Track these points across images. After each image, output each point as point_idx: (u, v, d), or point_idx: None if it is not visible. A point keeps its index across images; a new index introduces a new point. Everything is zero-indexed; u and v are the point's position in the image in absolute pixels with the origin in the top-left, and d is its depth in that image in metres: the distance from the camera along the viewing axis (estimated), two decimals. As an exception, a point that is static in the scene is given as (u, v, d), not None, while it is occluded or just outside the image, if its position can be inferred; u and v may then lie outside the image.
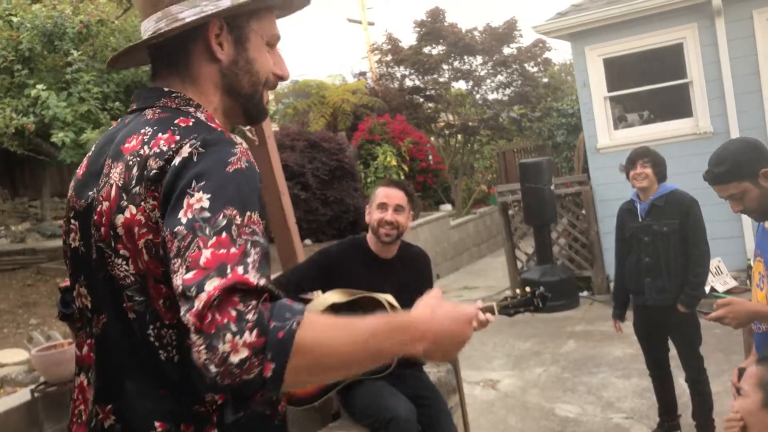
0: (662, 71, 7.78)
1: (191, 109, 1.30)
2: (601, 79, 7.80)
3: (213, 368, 0.99)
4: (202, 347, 0.99)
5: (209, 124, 1.26)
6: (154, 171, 1.18)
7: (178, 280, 1.07)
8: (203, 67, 1.33)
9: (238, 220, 1.11)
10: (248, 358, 0.98)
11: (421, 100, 15.02)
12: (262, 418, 1.31)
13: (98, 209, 1.26)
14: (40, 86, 6.68)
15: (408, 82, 15.01)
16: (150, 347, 1.22)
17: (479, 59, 14.14)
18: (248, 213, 1.13)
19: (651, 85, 7.85)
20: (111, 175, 1.26)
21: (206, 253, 1.06)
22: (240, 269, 1.06)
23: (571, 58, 10.75)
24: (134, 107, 1.36)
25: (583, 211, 8.18)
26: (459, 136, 14.72)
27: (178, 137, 1.20)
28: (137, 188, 1.20)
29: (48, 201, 10.42)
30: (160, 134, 1.23)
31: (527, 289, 2.84)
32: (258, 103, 1.41)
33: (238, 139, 1.25)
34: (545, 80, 15.28)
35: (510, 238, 8.86)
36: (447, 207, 13.13)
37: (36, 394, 3.44)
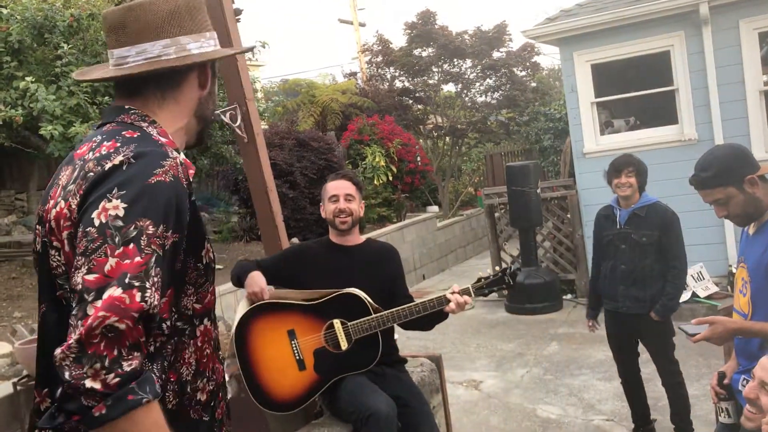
0: (649, 78, 7.86)
1: (144, 125, 1.42)
2: (589, 85, 7.87)
3: (67, 375, 1.11)
4: (72, 355, 1.11)
5: (155, 138, 1.39)
6: (90, 173, 1.29)
7: (78, 278, 1.17)
8: (190, 93, 1.50)
9: (150, 230, 1.22)
10: (95, 391, 1.11)
11: (411, 101, 15.07)
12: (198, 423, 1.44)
13: (47, 207, 1.39)
14: (29, 79, 6.65)
15: (398, 84, 15.06)
16: None
17: (469, 62, 14.21)
18: (162, 226, 1.24)
19: (638, 91, 7.93)
20: (60, 177, 1.40)
21: (111, 261, 1.17)
22: (135, 291, 1.16)
23: (559, 63, 10.85)
24: (99, 123, 1.49)
25: (569, 215, 8.25)
26: (447, 139, 14.78)
27: (119, 144, 1.33)
28: (72, 186, 1.32)
29: (35, 194, 10.36)
30: (105, 142, 1.35)
31: (497, 268, 2.98)
32: (209, 127, 1.62)
33: (175, 154, 1.36)
34: (533, 84, 15.38)
35: (495, 240, 8.92)
36: (434, 208, 13.18)
37: (19, 387, 3.43)
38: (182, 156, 1.39)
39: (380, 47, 14.83)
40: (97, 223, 1.20)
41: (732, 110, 7.12)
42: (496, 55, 14.21)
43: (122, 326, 1.13)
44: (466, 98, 14.91)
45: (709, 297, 6.66)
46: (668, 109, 7.70)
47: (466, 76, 14.41)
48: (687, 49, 7.34)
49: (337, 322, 2.94)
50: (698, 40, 7.24)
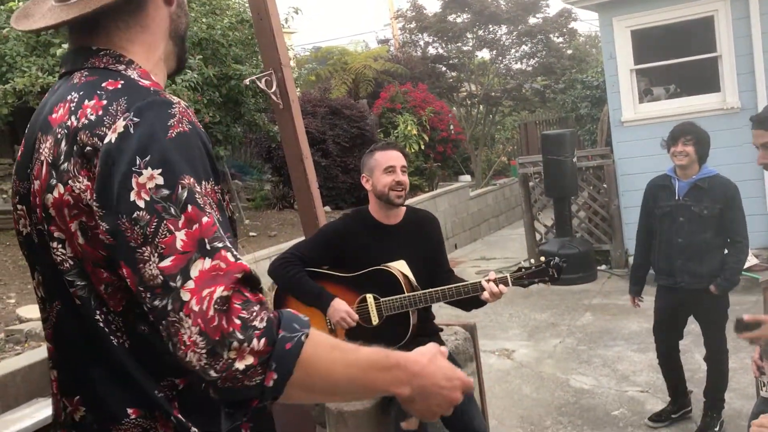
0: (691, 44, 7.63)
1: (121, 67, 1.18)
2: (628, 51, 7.67)
3: (213, 373, 0.96)
4: (204, 351, 0.96)
5: (141, 83, 1.16)
6: (88, 148, 1.08)
7: (152, 270, 1.00)
8: (158, 11, 1.25)
9: (198, 188, 1.06)
10: (253, 366, 0.97)
11: (444, 69, 14.89)
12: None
13: (32, 189, 1.17)
14: (65, 45, 6.70)
15: (431, 50, 14.88)
16: (102, 333, 1.13)
17: (504, 28, 13.97)
18: (203, 182, 1.08)
19: (679, 58, 7.71)
20: (41, 150, 1.17)
21: (180, 236, 1.01)
22: (223, 251, 1.01)
23: (597, 30, 10.61)
24: (62, 71, 1.25)
25: (605, 185, 8.12)
26: (481, 107, 14.60)
27: (104, 102, 1.10)
28: (65, 164, 1.11)
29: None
30: (86, 101, 1.12)
31: (542, 259, 2.85)
32: (185, 46, 1.36)
33: (175, 99, 1.15)
34: (570, 51, 15.08)
35: (530, 209, 8.84)
36: (466, 178, 13.09)
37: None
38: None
39: (414, 13, 14.63)
40: (141, 204, 1.02)
41: (777, 77, 6.90)
42: (532, 21, 13.95)
43: (230, 293, 0.98)
44: (501, 65, 14.68)
45: (749, 269, 6.53)
46: (710, 77, 7.49)
47: (501, 43, 14.18)
48: (732, 14, 7.09)
49: (370, 297, 2.93)
50: (744, 4, 6.99)
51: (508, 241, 10.83)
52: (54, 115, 1.16)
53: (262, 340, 0.97)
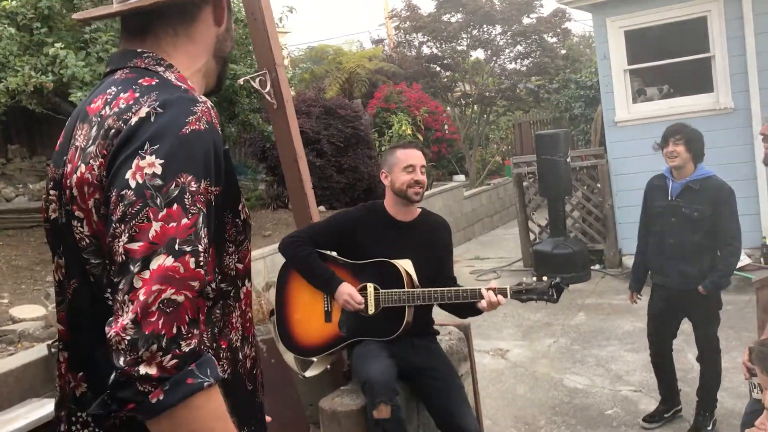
0: (684, 45, 7.66)
1: (160, 69, 1.26)
2: (622, 52, 7.70)
3: (121, 361, 1.00)
4: (128, 337, 0.99)
5: (175, 83, 1.23)
6: (113, 130, 1.15)
7: (118, 247, 1.05)
8: (206, 29, 1.34)
9: (193, 187, 1.09)
10: (150, 377, 0.99)
11: (438, 68, 14.89)
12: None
13: (65, 172, 1.24)
14: (58, 45, 6.67)
15: (425, 50, 14.87)
16: (109, 312, 1.14)
17: (498, 28, 13.97)
18: (204, 181, 1.11)
19: (672, 58, 7.74)
20: (76, 136, 1.24)
21: (155, 226, 1.04)
22: (188, 256, 1.04)
23: (590, 30, 10.62)
24: (108, 70, 1.33)
25: (598, 185, 8.15)
26: (475, 107, 14.61)
27: (137, 95, 1.17)
28: (92, 147, 1.17)
29: (65, 160, 10.47)
30: (122, 94, 1.19)
31: (545, 278, 2.85)
32: (227, 68, 1.46)
33: (203, 98, 1.21)
34: (564, 51, 15.10)
35: (524, 209, 8.85)
36: (461, 177, 13.10)
37: (53, 350, 3.50)
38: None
39: (408, 13, 14.63)
40: (133, 184, 1.06)
41: (770, 78, 6.92)
42: (526, 21, 13.96)
43: (181, 298, 1.02)
44: (495, 65, 14.69)
45: (741, 269, 6.55)
46: (703, 77, 7.52)
47: (496, 43, 14.19)
48: (725, 15, 7.13)
49: (370, 286, 2.97)
50: (737, 5, 7.03)
51: (502, 241, 10.84)
52: (92, 105, 1.24)
53: (174, 361, 1.01)
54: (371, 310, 2.96)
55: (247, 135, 10.32)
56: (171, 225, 1.05)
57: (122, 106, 1.17)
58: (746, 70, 7.05)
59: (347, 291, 2.93)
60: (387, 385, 2.79)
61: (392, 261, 2.97)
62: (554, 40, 14.68)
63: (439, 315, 3.25)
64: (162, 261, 1.03)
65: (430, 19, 14.04)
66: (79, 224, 1.20)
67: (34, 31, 7.17)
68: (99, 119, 1.19)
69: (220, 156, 1.18)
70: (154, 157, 1.08)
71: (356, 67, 13.34)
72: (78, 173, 1.18)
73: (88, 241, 1.19)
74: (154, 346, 0.99)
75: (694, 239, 3.83)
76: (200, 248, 1.07)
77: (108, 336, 1.01)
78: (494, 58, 14.53)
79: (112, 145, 1.14)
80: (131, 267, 1.03)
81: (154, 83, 1.20)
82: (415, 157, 3.05)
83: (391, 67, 13.50)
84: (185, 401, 1.02)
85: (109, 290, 1.16)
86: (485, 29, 13.96)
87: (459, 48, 14.29)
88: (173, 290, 1.02)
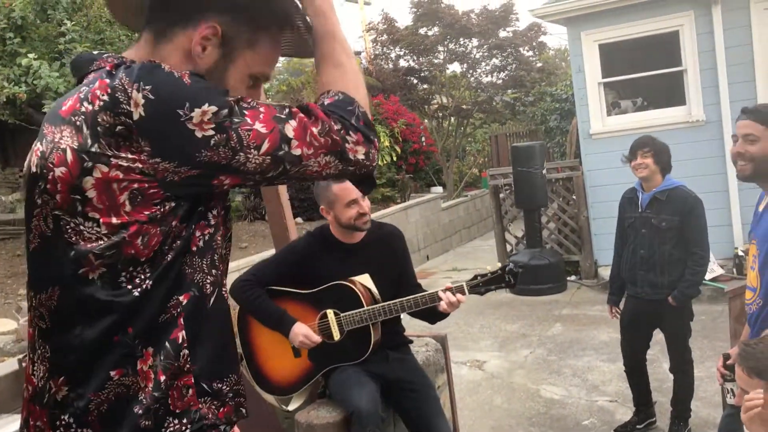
0: (657, 58, 7.79)
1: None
2: (596, 65, 7.80)
3: (352, 165, 1.23)
4: (338, 159, 1.21)
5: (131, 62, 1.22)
6: (119, 127, 1.12)
7: (256, 160, 1.16)
8: (176, 58, 1.26)
9: (244, 103, 1.17)
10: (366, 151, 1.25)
11: (416, 81, 14.97)
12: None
13: (50, 176, 1.19)
14: (32, 55, 6.61)
15: (403, 63, 14.96)
16: (107, 300, 1.19)
17: (475, 42, 14.10)
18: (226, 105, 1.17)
19: (645, 72, 7.86)
20: (58, 140, 1.19)
21: (258, 126, 1.15)
22: (293, 109, 1.19)
23: (566, 44, 10.75)
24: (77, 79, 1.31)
25: (574, 196, 8.22)
26: (452, 119, 14.70)
27: (107, 80, 1.15)
28: (95, 147, 1.14)
29: (38, 172, 10.33)
30: (93, 87, 1.17)
31: (498, 265, 2.88)
32: None
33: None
34: (539, 65, 15.26)
35: (500, 221, 8.90)
36: (438, 189, 13.15)
37: (23, 364, 3.44)
38: None
39: (385, 26, 14.71)
40: (211, 132, 1.13)
41: (741, 91, 7.04)
42: (502, 34, 14.10)
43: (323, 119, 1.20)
44: (472, 78, 14.81)
45: (714, 279, 6.64)
46: (676, 90, 7.64)
47: (472, 56, 14.31)
48: (696, 29, 7.26)
49: (330, 312, 2.91)
50: (708, 19, 7.16)
51: (479, 252, 10.88)
52: (64, 108, 1.21)
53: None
54: (336, 336, 2.91)
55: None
56: (262, 115, 1.16)
57: (105, 98, 1.14)
58: (717, 84, 7.18)
59: (301, 332, 2.86)
60: (375, 414, 2.77)
61: (348, 281, 2.91)
62: (530, 53, 14.84)
63: (417, 327, 3.24)
64: (292, 126, 1.17)
65: (407, 32, 14.13)
66: (94, 225, 1.17)
67: (7, 41, 7.10)
68: (83, 117, 1.16)
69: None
70: (196, 108, 1.12)
71: (334, 79, 13.35)
72: (97, 174, 1.15)
73: (106, 239, 1.17)
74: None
75: (664, 250, 3.88)
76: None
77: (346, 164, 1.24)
78: (471, 72, 14.65)
79: (137, 142, 1.13)
80: (280, 152, 1.17)
81: (114, 65, 1.21)
82: (353, 189, 2.87)
83: (369, 80, 13.54)
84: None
85: (123, 273, 1.19)
86: (462, 42, 14.08)
87: (436, 61, 14.39)
88: (319, 119, 1.20)
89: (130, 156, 1.13)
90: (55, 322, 1.25)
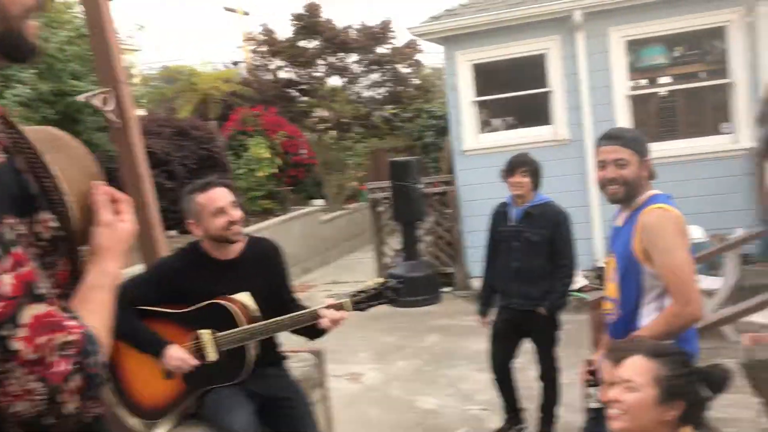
0: (527, 79, 8.16)
1: None
2: (470, 84, 8.07)
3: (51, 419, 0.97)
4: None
5: None
6: None
7: None
8: None
9: (11, 220, 0.96)
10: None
11: (296, 93, 14.92)
12: None
13: None
14: None
15: (283, 74, 14.87)
16: None
17: (354, 56, 14.26)
18: (6, 215, 0.96)
19: (516, 92, 8.23)
20: None
21: (7, 279, 0.91)
22: (48, 299, 0.96)
23: (441, 63, 11.07)
24: None
25: (449, 210, 8.44)
26: (333, 132, 14.76)
27: None
28: None
29: None
30: None
31: (378, 281, 2.85)
32: (17, 40, 1.07)
33: None
34: (417, 81, 15.63)
35: (378, 233, 9.00)
36: (319, 202, 13.13)
37: None
38: None
39: (265, 37, 14.58)
40: None
41: (601, 113, 7.52)
42: (380, 50, 14.33)
43: (74, 337, 0.96)
44: (351, 92, 14.94)
45: (580, 290, 7.01)
46: (544, 110, 8.04)
47: (352, 70, 14.45)
48: (562, 53, 7.69)
49: (204, 333, 2.79)
50: (572, 44, 7.60)
51: (358, 265, 10.94)
52: None
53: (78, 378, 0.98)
54: (213, 357, 2.79)
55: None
56: (22, 271, 0.93)
57: None
58: (580, 105, 7.62)
59: (176, 356, 2.73)
60: None
61: (225, 299, 2.80)
62: (408, 69, 15.17)
63: (295, 342, 3.18)
64: (34, 311, 0.94)
65: (287, 44, 14.08)
66: None
67: None
68: None
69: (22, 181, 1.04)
70: None
71: (211, 88, 13.08)
72: None
73: None
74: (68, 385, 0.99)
75: (536, 262, 4.03)
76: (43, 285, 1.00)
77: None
78: (350, 85, 14.78)
79: None
80: (2, 332, 0.92)
81: None
82: (219, 197, 2.79)
83: (247, 91, 13.35)
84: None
85: None
86: (341, 56, 14.19)
87: (316, 74, 14.41)
88: (63, 333, 0.98)
89: None
90: None
